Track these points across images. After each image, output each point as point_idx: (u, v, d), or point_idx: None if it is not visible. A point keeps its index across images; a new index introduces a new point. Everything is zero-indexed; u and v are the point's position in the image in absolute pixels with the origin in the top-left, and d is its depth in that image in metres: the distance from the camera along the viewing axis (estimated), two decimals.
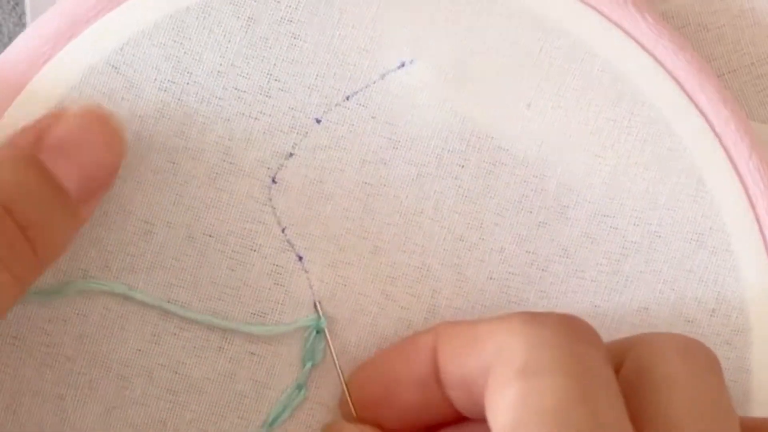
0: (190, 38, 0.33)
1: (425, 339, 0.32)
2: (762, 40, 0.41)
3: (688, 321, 0.34)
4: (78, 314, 0.32)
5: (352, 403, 0.33)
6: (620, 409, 0.27)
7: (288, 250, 0.33)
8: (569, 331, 0.29)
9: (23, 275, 0.29)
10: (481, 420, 0.30)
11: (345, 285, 0.33)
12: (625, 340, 0.31)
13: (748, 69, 0.41)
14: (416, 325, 0.34)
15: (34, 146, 0.30)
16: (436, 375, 0.31)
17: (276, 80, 0.33)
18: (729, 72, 0.41)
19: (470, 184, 0.33)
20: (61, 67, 0.33)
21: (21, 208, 0.29)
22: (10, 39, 0.43)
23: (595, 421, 0.26)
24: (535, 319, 0.29)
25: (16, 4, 0.43)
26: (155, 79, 0.32)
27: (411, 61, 0.33)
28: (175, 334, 0.33)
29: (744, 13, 0.41)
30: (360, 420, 0.33)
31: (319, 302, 0.33)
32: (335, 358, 0.33)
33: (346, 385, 0.33)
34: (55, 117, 0.31)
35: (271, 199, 0.33)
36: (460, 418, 0.32)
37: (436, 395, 0.31)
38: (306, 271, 0.33)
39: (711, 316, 0.34)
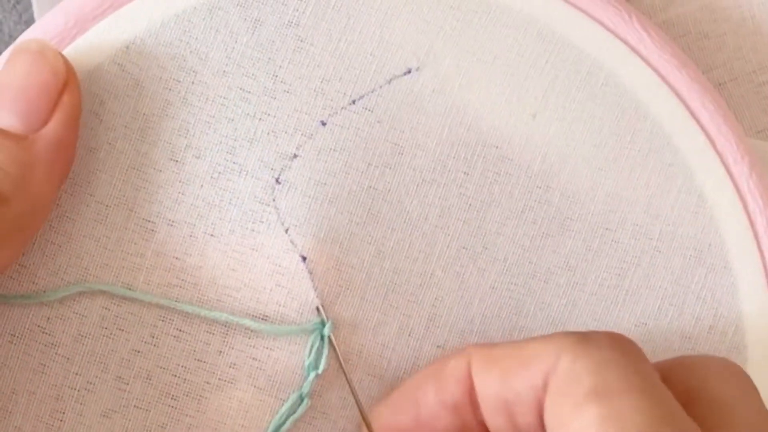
0: (196, 38, 0.32)
1: (456, 363, 0.31)
2: (763, 48, 0.41)
3: (686, 337, 0.34)
4: (77, 314, 0.32)
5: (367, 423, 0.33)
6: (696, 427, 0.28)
7: (291, 251, 0.33)
8: (624, 349, 0.29)
9: None
10: None
11: (347, 289, 0.33)
12: (660, 363, 0.32)
13: (750, 77, 0.41)
14: (417, 332, 0.34)
15: None
16: (470, 399, 0.31)
17: (282, 82, 0.33)
18: (731, 80, 0.41)
19: (474, 193, 0.33)
20: None
21: None
22: (11, 37, 0.43)
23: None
24: (586, 338, 0.29)
25: (17, 2, 0.42)
26: (160, 78, 0.32)
27: (417, 68, 0.33)
28: (174, 337, 0.32)
29: (745, 21, 0.41)
30: None
31: (322, 306, 0.33)
32: (345, 369, 0.33)
33: (356, 394, 0.33)
34: None
35: (274, 200, 0.33)
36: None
37: (471, 420, 0.31)
38: (310, 272, 0.33)
39: (708, 332, 0.34)
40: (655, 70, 0.35)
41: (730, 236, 0.34)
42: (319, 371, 0.33)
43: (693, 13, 0.41)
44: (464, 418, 0.31)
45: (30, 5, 0.43)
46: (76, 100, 0.31)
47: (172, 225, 0.32)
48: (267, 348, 0.33)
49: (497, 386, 0.30)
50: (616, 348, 0.29)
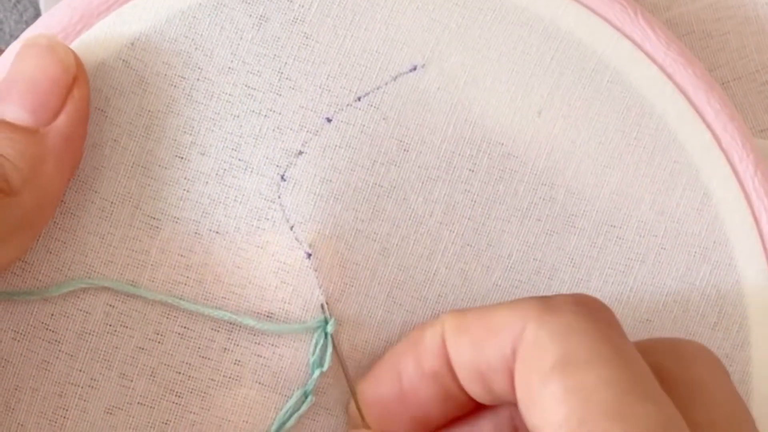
0: (201, 34, 0.32)
1: (432, 332, 0.31)
2: (767, 48, 0.41)
3: (690, 334, 0.34)
4: (80, 311, 0.32)
5: (362, 414, 0.33)
6: (671, 403, 0.27)
7: (296, 248, 0.33)
8: (592, 314, 0.29)
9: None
10: (499, 408, 0.31)
11: (352, 286, 0.33)
12: (636, 344, 0.31)
13: (753, 76, 0.41)
14: None
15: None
16: (449, 367, 0.31)
17: (287, 79, 0.33)
18: (734, 79, 0.41)
19: (479, 190, 0.33)
20: None
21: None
22: (12, 36, 0.43)
23: (660, 417, 0.26)
24: (550, 304, 0.29)
25: (18, 1, 0.43)
26: (165, 75, 0.32)
27: (423, 65, 0.33)
28: (179, 334, 0.32)
29: (749, 21, 0.41)
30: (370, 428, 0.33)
31: (326, 303, 0.33)
32: (345, 367, 0.33)
33: (355, 394, 0.33)
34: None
35: (279, 197, 0.33)
36: (477, 407, 0.32)
37: (452, 387, 0.31)
38: (315, 270, 0.33)
39: (712, 329, 0.34)
40: (661, 67, 0.35)
41: (735, 234, 0.35)
42: (324, 369, 0.33)
43: (696, 12, 0.41)
44: (445, 386, 0.31)
45: (30, 5, 0.43)
46: (85, 94, 0.31)
47: (177, 222, 0.32)
48: (272, 345, 0.33)
49: (470, 355, 0.30)
50: (581, 313, 0.28)
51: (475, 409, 0.32)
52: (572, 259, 0.34)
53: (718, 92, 0.35)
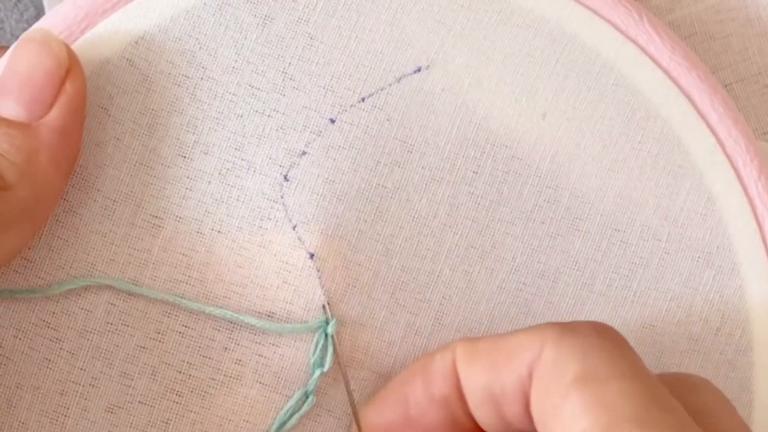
0: (205, 34, 0.32)
1: (443, 357, 0.32)
2: None
3: (693, 339, 0.34)
4: (82, 309, 0.32)
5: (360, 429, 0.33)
6: (689, 417, 0.28)
7: (298, 248, 0.33)
8: (608, 336, 0.29)
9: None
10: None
11: (355, 287, 0.33)
12: None
13: (756, 78, 0.41)
14: (424, 331, 0.34)
15: None
16: (458, 393, 0.31)
17: (291, 79, 0.33)
18: (736, 81, 0.41)
19: (483, 192, 0.33)
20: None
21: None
22: (13, 36, 0.43)
23: (682, 421, 0.27)
24: (569, 328, 0.29)
25: (18, 1, 0.43)
26: (169, 74, 0.32)
27: (427, 67, 0.33)
28: (180, 333, 0.32)
29: (751, 23, 0.41)
30: None
31: (328, 304, 0.33)
32: (344, 372, 0.33)
33: (353, 405, 0.33)
34: None
35: (282, 197, 0.33)
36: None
37: (460, 413, 0.31)
38: (317, 270, 0.33)
39: (715, 335, 0.34)
40: (665, 71, 0.35)
41: (739, 238, 0.35)
42: (325, 369, 0.33)
43: (699, 14, 0.41)
44: (453, 412, 0.31)
45: (31, 4, 0.43)
46: (79, 88, 0.31)
47: (179, 221, 0.32)
48: (273, 344, 0.33)
49: (482, 379, 0.30)
50: (599, 335, 0.29)
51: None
52: (576, 262, 0.34)
53: (722, 96, 0.35)
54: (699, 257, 0.34)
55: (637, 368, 0.28)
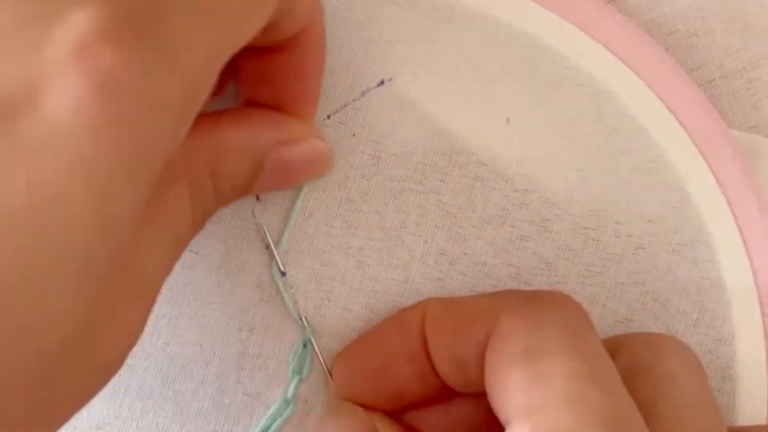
0: None
1: (413, 314, 0.32)
2: (753, 45, 0.41)
3: (671, 332, 0.34)
4: None
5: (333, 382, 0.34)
6: (629, 396, 0.28)
7: (271, 266, 0.34)
8: (565, 310, 0.30)
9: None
10: (472, 396, 0.31)
11: (329, 300, 0.34)
12: (614, 338, 0.32)
13: (740, 73, 0.41)
14: None
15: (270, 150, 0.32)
16: (426, 350, 0.32)
17: None
18: (721, 77, 0.41)
19: (451, 199, 0.34)
20: None
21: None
22: None
23: (614, 406, 0.27)
24: (530, 298, 0.30)
25: None
26: None
27: (390, 79, 0.34)
28: (162, 350, 0.34)
29: (734, 18, 0.41)
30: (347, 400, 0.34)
31: (305, 317, 0.34)
32: (320, 355, 0.34)
33: (330, 371, 0.34)
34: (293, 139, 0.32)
35: (255, 216, 0.34)
36: (449, 393, 0.33)
37: (427, 368, 0.32)
38: (291, 286, 0.34)
39: (694, 326, 0.34)
40: (631, 67, 0.35)
41: (715, 229, 0.35)
42: (303, 375, 0.34)
43: (680, 11, 0.41)
44: (422, 368, 0.32)
45: None
46: None
47: None
48: (255, 357, 0.34)
49: (446, 342, 0.31)
50: (556, 308, 0.29)
51: (450, 394, 0.33)
52: (548, 263, 0.34)
53: (692, 87, 0.36)
54: (674, 250, 0.34)
55: (586, 345, 0.28)
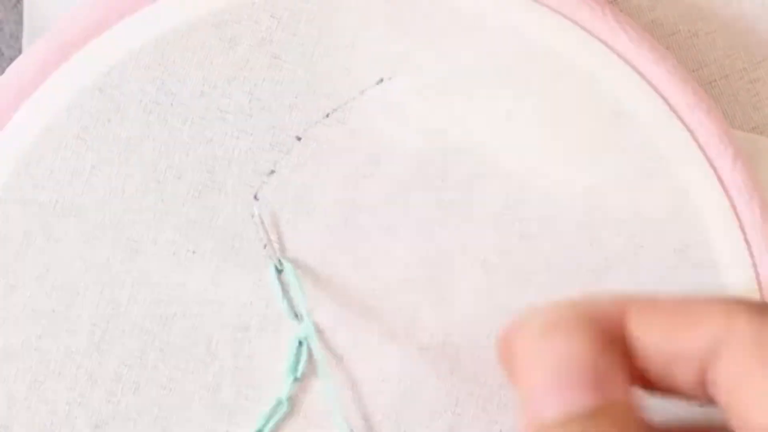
0: (174, 61, 0.34)
1: (609, 304, 0.31)
2: (754, 45, 0.42)
3: None
4: None
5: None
6: None
7: (269, 265, 0.35)
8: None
9: None
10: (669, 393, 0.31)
11: (327, 297, 0.35)
12: None
13: (741, 74, 0.41)
14: (398, 336, 0.35)
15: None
16: (610, 340, 0.31)
17: (257, 99, 0.34)
18: (722, 78, 0.42)
19: (451, 197, 0.35)
20: (51, 90, 0.35)
21: None
22: (11, 37, 0.44)
23: None
24: (761, 307, 0.30)
25: (18, 2, 0.44)
26: (140, 101, 0.34)
27: (389, 78, 0.35)
28: (161, 350, 0.34)
29: (735, 19, 0.41)
30: None
31: (302, 314, 0.34)
32: (317, 353, 0.34)
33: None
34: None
35: (253, 216, 0.34)
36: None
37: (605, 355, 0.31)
38: (287, 284, 0.35)
39: None
40: (633, 66, 0.36)
41: (716, 231, 0.35)
42: (298, 375, 0.34)
43: (681, 12, 0.41)
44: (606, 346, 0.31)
45: None
46: None
47: (154, 244, 0.34)
48: (249, 357, 0.35)
49: (656, 337, 0.30)
50: None
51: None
52: (548, 262, 0.35)
53: (693, 87, 0.36)
54: (675, 251, 0.35)
55: None
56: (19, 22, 0.45)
